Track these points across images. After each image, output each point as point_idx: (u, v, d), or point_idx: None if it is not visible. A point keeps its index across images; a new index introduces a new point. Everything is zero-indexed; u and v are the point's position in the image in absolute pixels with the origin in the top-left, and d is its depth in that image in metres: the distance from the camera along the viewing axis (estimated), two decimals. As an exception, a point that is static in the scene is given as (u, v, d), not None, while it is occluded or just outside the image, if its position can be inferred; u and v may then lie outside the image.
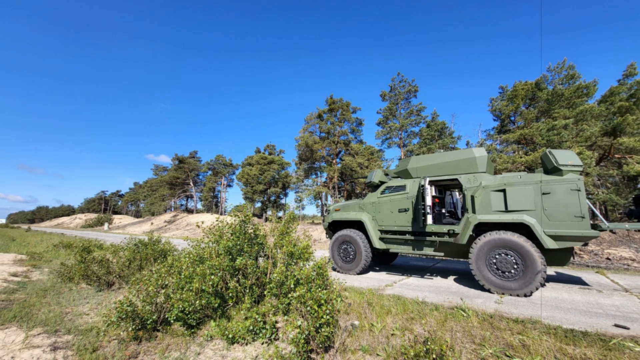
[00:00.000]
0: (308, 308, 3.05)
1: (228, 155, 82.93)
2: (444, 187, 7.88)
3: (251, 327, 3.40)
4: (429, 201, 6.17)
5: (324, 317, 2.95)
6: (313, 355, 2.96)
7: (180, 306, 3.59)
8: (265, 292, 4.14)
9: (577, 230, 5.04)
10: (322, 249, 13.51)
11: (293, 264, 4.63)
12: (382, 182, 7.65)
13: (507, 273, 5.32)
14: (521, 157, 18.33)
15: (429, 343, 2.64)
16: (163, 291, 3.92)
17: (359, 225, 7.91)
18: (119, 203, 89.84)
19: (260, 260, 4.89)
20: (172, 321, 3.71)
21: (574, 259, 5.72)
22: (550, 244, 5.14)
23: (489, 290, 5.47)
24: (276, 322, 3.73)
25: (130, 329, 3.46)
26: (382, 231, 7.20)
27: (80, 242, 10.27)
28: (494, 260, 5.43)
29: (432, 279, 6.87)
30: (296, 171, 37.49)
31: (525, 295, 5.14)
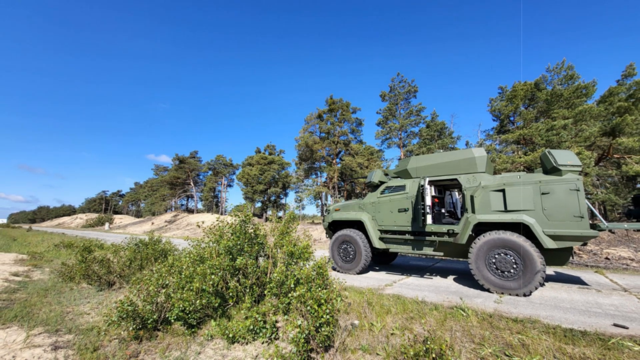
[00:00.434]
0: (308, 307, 3.06)
1: (228, 155, 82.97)
2: (444, 187, 7.89)
3: (251, 327, 3.41)
4: (428, 201, 6.18)
5: (324, 316, 2.96)
6: (313, 355, 2.97)
7: (181, 306, 3.60)
8: (266, 292, 4.15)
9: (576, 230, 5.06)
10: (322, 249, 13.53)
11: (293, 263, 4.64)
12: (381, 182, 7.66)
13: (506, 273, 5.33)
14: (520, 157, 18.35)
15: (428, 342, 2.65)
16: (164, 291, 3.93)
17: (358, 225, 7.92)
18: (120, 203, 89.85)
19: (261, 260, 4.91)
20: (172, 321, 3.72)
21: (573, 258, 5.77)
22: (549, 243, 5.15)
23: (488, 290, 5.49)
24: (276, 321, 3.74)
25: (131, 328, 3.47)
26: (381, 231, 7.21)
27: (81, 242, 10.28)
28: (494, 260, 5.45)
29: (431, 278, 6.88)
30: (296, 171, 37.52)
31: (525, 295, 5.16)
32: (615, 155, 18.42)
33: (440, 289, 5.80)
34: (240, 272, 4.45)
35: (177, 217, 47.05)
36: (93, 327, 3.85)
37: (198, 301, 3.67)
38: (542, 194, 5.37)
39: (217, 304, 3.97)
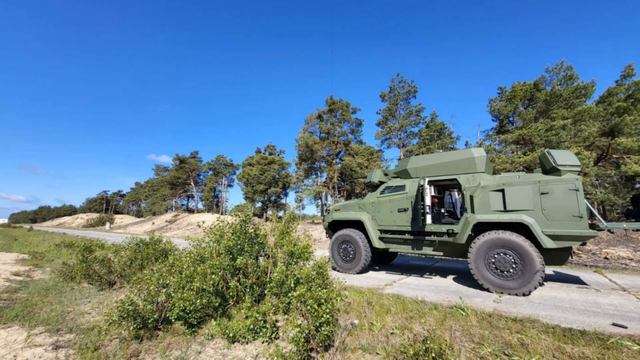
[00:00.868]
0: (308, 307, 3.08)
1: (229, 155, 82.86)
2: (443, 187, 7.90)
3: (252, 326, 3.43)
4: (428, 201, 6.20)
5: (324, 316, 2.98)
6: (313, 354, 2.99)
7: (181, 305, 3.62)
8: (266, 292, 4.16)
9: (575, 230, 5.07)
10: (322, 249, 13.53)
11: (293, 263, 4.65)
12: (381, 182, 7.68)
13: (505, 272, 5.35)
14: (520, 157, 18.38)
15: (428, 342, 2.66)
16: (164, 290, 3.94)
17: (358, 225, 7.94)
18: (121, 203, 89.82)
19: (261, 259, 4.92)
20: (173, 320, 3.73)
21: (572, 258, 5.78)
22: (548, 243, 5.17)
23: (487, 290, 5.50)
24: (276, 321, 3.75)
25: (131, 328, 3.48)
26: (381, 231, 7.23)
27: (82, 242, 10.28)
28: (493, 260, 5.46)
29: (431, 278, 6.90)
30: (296, 171, 37.54)
31: (524, 295, 5.17)
32: (614, 156, 18.44)
33: (440, 289, 5.82)
34: (241, 271, 4.46)
35: (178, 217, 47.04)
36: (94, 326, 3.86)
37: (198, 301, 3.68)
38: (542, 194, 5.38)
39: (217, 304, 3.98)
